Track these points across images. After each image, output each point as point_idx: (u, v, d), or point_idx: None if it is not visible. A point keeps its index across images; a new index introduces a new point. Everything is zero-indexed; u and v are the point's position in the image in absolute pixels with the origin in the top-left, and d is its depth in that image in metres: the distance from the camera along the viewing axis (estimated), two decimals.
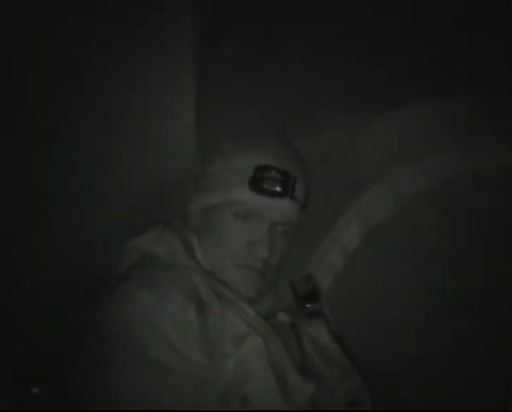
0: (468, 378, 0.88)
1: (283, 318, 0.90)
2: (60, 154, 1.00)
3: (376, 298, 0.96)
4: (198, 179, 0.94)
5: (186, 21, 0.96)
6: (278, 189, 0.86)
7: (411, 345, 0.92)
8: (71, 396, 0.76)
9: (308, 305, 0.97)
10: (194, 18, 0.95)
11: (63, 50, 0.94)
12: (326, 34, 0.99)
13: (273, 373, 0.77)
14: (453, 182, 0.94)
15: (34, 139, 0.98)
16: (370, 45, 0.97)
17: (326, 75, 1.02)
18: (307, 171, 0.93)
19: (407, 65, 0.98)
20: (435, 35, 0.95)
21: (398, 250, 0.96)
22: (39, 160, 0.99)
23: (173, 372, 0.73)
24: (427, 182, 0.96)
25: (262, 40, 1.00)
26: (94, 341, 0.77)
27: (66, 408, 0.79)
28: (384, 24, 0.95)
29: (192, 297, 0.79)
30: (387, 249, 0.97)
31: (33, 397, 0.93)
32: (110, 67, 0.98)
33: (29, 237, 1.00)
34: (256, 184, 0.85)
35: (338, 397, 0.83)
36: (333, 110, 1.04)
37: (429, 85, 0.98)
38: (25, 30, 0.91)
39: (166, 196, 1.04)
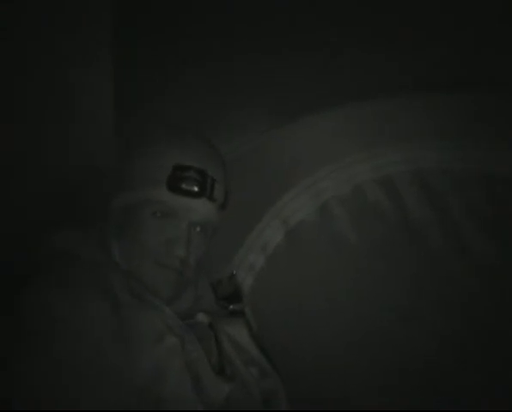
0: (380, 368, 0.92)
1: (201, 318, 0.88)
2: None
3: (295, 294, 0.99)
4: (117, 176, 0.91)
5: (104, 19, 0.95)
6: (196, 189, 0.84)
7: (330, 338, 0.95)
8: None
9: (231, 306, 0.96)
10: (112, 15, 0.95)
11: None
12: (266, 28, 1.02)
13: (189, 374, 0.76)
14: (364, 185, 0.99)
15: None
16: None
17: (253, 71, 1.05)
18: (227, 171, 0.92)
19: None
20: None
21: (315, 247, 1.00)
22: None
23: (86, 371, 0.71)
24: (343, 184, 1.01)
25: (181, 37, 1.02)
26: (3, 340, 0.73)
27: None
28: None
29: (108, 296, 0.77)
30: (305, 247, 1.00)
31: None
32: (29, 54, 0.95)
33: None
34: (174, 183, 0.84)
35: (254, 397, 0.83)
36: (256, 109, 1.07)
37: (360, 87, 1.03)
38: None
39: (84, 193, 1.03)
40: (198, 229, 0.86)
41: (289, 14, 1.01)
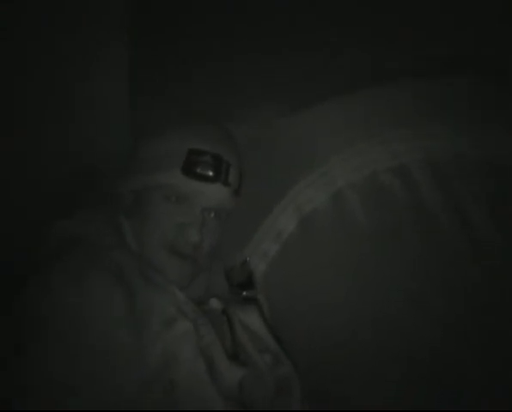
0: (392, 359, 0.89)
1: (214, 304, 0.87)
2: None
3: (309, 283, 0.96)
4: (130, 161, 0.90)
5: (118, 9, 0.94)
6: (211, 173, 0.83)
7: (343, 327, 0.92)
8: None
9: (244, 292, 0.94)
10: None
11: None
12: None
13: (202, 358, 0.75)
14: (378, 172, 0.95)
15: None
16: None
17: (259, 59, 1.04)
18: (242, 156, 0.91)
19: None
20: None
21: (328, 235, 0.97)
22: None
23: (94, 357, 0.70)
24: (356, 171, 0.97)
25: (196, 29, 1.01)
26: (9, 328, 0.72)
27: None
28: None
29: (119, 280, 0.76)
30: (319, 235, 0.98)
31: None
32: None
33: None
34: (189, 168, 0.83)
35: (267, 384, 0.81)
36: (266, 96, 1.05)
37: (372, 73, 1.00)
38: None
39: (96, 178, 1.02)
40: (212, 215, 0.86)
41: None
